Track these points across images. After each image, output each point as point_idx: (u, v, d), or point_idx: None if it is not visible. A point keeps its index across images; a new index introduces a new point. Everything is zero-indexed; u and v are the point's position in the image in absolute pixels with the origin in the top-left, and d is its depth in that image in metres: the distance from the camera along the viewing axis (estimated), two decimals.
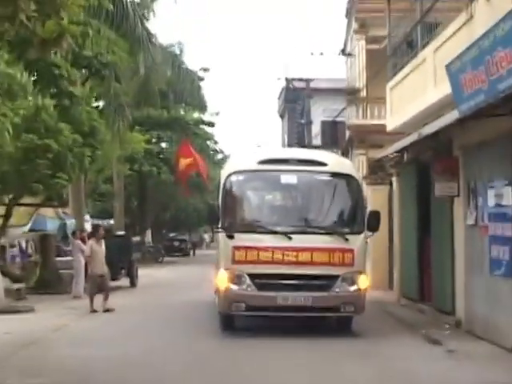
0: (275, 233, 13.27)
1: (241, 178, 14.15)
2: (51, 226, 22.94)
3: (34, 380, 9.51)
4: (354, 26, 26.72)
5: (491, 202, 12.32)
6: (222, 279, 13.40)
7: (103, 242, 19.13)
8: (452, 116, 12.24)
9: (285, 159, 14.09)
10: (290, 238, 13.10)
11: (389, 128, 19.03)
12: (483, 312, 12.84)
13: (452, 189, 14.25)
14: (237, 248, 13.22)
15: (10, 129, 14.58)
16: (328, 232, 13.43)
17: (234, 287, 13.18)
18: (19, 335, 13.36)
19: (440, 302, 15.51)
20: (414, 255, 17.78)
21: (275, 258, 13.07)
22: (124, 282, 25.15)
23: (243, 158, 15.69)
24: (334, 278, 13.17)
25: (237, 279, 13.18)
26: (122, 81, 14.80)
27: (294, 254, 13.07)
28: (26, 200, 21.35)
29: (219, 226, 13.61)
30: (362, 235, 13.67)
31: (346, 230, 13.60)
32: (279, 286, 13.04)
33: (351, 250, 13.30)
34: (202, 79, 40.45)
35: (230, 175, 13.99)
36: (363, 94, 25.35)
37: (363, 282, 13.49)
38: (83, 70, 12.10)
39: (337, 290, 13.17)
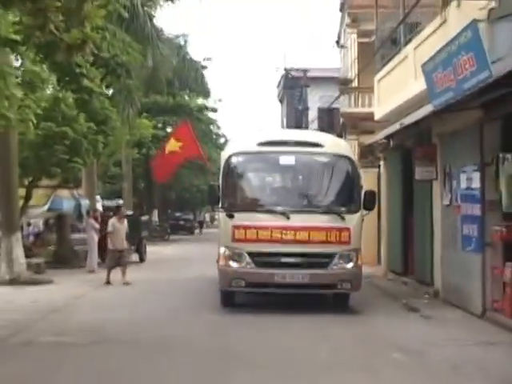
0: (274, 212, 13.22)
1: (240, 159, 14.05)
2: (67, 205, 23.83)
3: (63, 338, 10.70)
4: (347, 20, 27.33)
5: (463, 184, 13.41)
6: (222, 257, 13.42)
7: (125, 220, 19.81)
8: (429, 108, 13.33)
9: (283, 141, 14.01)
10: (287, 218, 13.03)
11: (376, 117, 19.92)
12: (457, 283, 13.92)
13: (431, 173, 15.26)
14: (236, 227, 13.19)
15: (34, 119, 15.67)
16: (325, 211, 13.37)
17: (234, 264, 13.17)
18: (44, 303, 14.48)
19: (421, 275, 16.57)
20: (398, 233, 18.72)
21: (274, 236, 13.02)
22: (134, 257, 25.68)
23: (243, 139, 15.55)
24: (331, 255, 13.10)
25: (237, 257, 13.18)
26: (132, 73, 15.64)
27: (292, 232, 13.01)
28: (44, 182, 22.52)
29: (219, 205, 13.58)
30: (358, 214, 13.55)
31: (343, 209, 13.46)
32: (278, 263, 13.03)
33: (347, 229, 13.19)
34: (205, 68, 41.47)
35: (230, 157, 13.95)
36: (355, 83, 25.92)
37: (359, 259, 13.43)
38: (101, 69, 12.99)
39: (334, 267, 13.10)
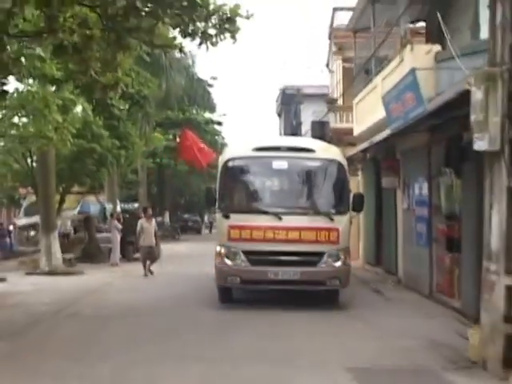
0: (267, 213, 13.22)
1: (236, 163, 14.05)
2: (94, 209, 26.10)
3: (99, 311, 13.22)
4: (333, 48, 29.60)
5: (416, 192, 15.64)
6: (218, 255, 13.45)
7: (153, 220, 21.26)
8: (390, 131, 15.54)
9: (276, 147, 13.98)
10: (280, 218, 13.05)
11: (355, 133, 21.91)
12: (413, 271, 16.13)
13: (394, 182, 17.37)
14: (232, 227, 13.25)
15: (71, 139, 17.96)
16: (315, 212, 13.36)
17: (230, 262, 13.20)
18: (81, 288, 16.82)
19: (388, 266, 18.78)
20: (372, 232, 20.86)
21: (267, 236, 13.05)
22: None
23: (239, 145, 15.63)
24: (321, 254, 13.13)
25: (232, 255, 13.21)
26: (151, 101, 17.82)
27: (284, 232, 13.03)
28: (75, 189, 24.82)
29: (216, 206, 13.69)
30: (347, 215, 13.61)
31: (332, 210, 13.45)
32: (270, 261, 13.01)
33: (336, 229, 13.22)
34: (211, 86, 43.60)
35: (226, 161, 13.97)
36: (340, 103, 27.74)
37: (348, 258, 13.49)
38: (128, 101, 15.08)
39: (323, 265, 13.13)
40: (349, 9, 24.78)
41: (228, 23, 10.17)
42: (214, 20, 10.41)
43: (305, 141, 18.77)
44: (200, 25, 10.57)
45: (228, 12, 10.03)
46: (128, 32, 11.08)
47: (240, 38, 10.85)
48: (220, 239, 13.57)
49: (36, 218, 24.84)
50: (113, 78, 12.35)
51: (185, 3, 9.92)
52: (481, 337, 8.29)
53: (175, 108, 38.56)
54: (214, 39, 10.89)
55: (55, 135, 16.83)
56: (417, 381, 8.03)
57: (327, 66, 34.17)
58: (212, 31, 10.80)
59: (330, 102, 28.27)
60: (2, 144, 20.11)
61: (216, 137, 53.60)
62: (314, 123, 31.24)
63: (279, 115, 53.60)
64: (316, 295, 13.92)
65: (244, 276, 13.08)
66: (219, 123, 50.17)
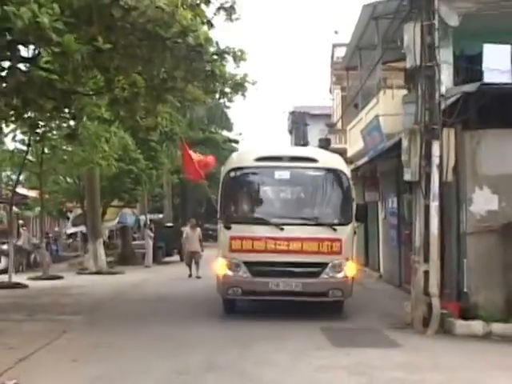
0: (268, 224, 12.80)
1: (238, 173, 13.65)
2: (130, 220, 29.96)
3: (144, 297, 17.06)
4: (333, 78, 33.28)
5: (389, 205, 19.29)
6: (220, 266, 13.08)
7: (197, 229, 23.29)
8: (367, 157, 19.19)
9: (279, 156, 13.48)
10: (281, 229, 12.64)
11: (348, 154, 25.28)
12: (389, 268, 19.76)
13: (375, 196, 21.06)
14: (233, 238, 12.89)
15: (115, 163, 21.79)
16: (318, 223, 12.90)
17: (231, 273, 12.84)
18: (125, 283, 20.67)
19: (373, 264, 22.43)
20: (362, 237, 24.32)
21: (268, 247, 12.65)
22: (175, 258, 31.42)
23: (241, 155, 15.31)
24: (323, 265, 12.70)
25: (233, 266, 12.85)
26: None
27: (286, 243, 12.61)
28: (114, 203, 28.69)
29: (218, 217, 13.48)
30: (350, 226, 13.13)
31: (335, 221, 12.97)
32: (272, 272, 12.64)
33: (339, 240, 12.76)
34: (228, 108, 47.43)
35: (228, 172, 13.58)
36: (338, 126, 31.30)
37: (350, 268, 13.03)
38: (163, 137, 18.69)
39: (325, 276, 12.71)
40: (346, 45, 28.40)
41: (239, 86, 13.85)
42: (229, 84, 14.12)
43: (307, 150, 18.20)
44: (219, 86, 14.28)
45: (239, 79, 13.69)
46: (166, 91, 14.77)
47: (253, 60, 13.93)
48: (221, 250, 13.22)
49: (81, 228, 28.77)
50: (153, 122, 16.11)
51: (208, 73, 13.57)
52: (411, 306, 11.93)
53: (197, 128, 42.27)
54: (229, 95, 14.65)
55: (103, 161, 20.68)
56: (365, 335, 11.60)
57: (330, 91, 37.81)
58: (228, 90, 14.54)
59: (330, 126, 31.84)
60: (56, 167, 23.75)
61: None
62: (321, 140, 34.65)
63: (290, 132, 57.32)
64: (319, 304, 13.52)
65: (245, 287, 12.72)
66: (236, 141, 53.86)
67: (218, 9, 12.02)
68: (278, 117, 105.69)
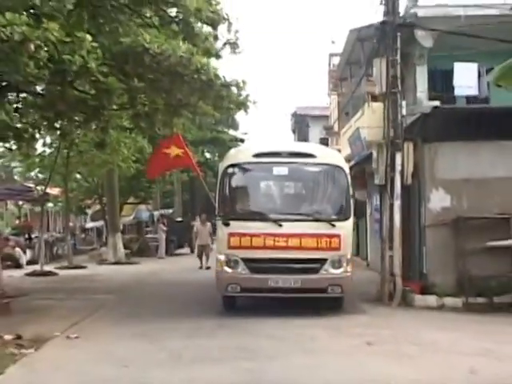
0: (267, 220, 12.78)
1: (236, 170, 13.60)
2: (145, 215, 33.05)
3: (161, 282, 20.14)
4: (330, 85, 36.11)
5: (373, 202, 22.19)
6: (218, 263, 13.06)
7: (208, 224, 24.07)
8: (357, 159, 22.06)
9: (277, 152, 13.37)
10: (280, 225, 12.62)
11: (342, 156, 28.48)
12: (374, 257, 22.61)
13: (364, 195, 23.84)
14: (232, 234, 12.81)
15: (133, 165, 24.77)
16: (316, 219, 12.87)
17: (230, 270, 12.79)
18: (143, 271, 23.70)
19: (362, 254, 25.36)
20: (353, 230, 27.32)
21: (267, 243, 12.59)
22: (186, 250, 34.30)
23: (239, 151, 15.34)
24: (322, 261, 12.68)
25: (232, 263, 12.79)
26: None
27: (284, 239, 12.57)
28: (130, 200, 31.72)
29: (216, 214, 13.33)
30: (349, 221, 13.20)
31: (334, 216, 12.98)
32: (271, 269, 12.59)
33: (338, 236, 12.75)
34: None
35: (226, 168, 13.48)
36: (335, 129, 34.21)
37: (350, 264, 13.02)
38: None
39: (324, 272, 12.70)
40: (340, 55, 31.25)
41: (242, 105, 16.76)
42: (234, 102, 17.03)
43: (306, 146, 18.22)
44: (225, 104, 17.20)
45: (242, 99, 16.60)
46: (181, 107, 17.69)
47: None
48: (220, 247, 13.25)
49: (99, 223, 31.80)
50: (169, 132, 19.06)
51: (222, 93, 16.33)
52: (380, 284, 14.89)
53: (204, 128, 45.19)
54: (233, 111, 17.60)
55: (123, 163, 23.69)
56: (343, 307, 14.32)
57: (328, 95, 40.67)
58: (233, 106, 17.46)
59: (327, 129, 34.72)
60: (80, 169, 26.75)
61: None
62: (321, 139, 37.44)
63: (293, 131, 60.31)
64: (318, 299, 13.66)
65: (244, 284, 12.70)
66: (242, 140, 56.74)
67: (224, 44, 14.98)
68: (282, 117, 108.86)
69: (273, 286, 12.61)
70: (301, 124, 50.96)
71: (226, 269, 12.88)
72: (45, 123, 17.62)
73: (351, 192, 13.44)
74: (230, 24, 14.27)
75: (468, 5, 19.01)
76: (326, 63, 37.28)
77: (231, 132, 55.69)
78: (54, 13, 10.69)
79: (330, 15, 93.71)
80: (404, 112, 14.54)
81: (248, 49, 51.67)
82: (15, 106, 15.74)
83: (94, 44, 11.04)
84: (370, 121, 19.35)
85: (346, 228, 13.08)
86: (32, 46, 10.04)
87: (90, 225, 35.52)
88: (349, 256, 13.11)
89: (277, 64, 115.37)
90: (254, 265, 12.72)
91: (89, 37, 10.75)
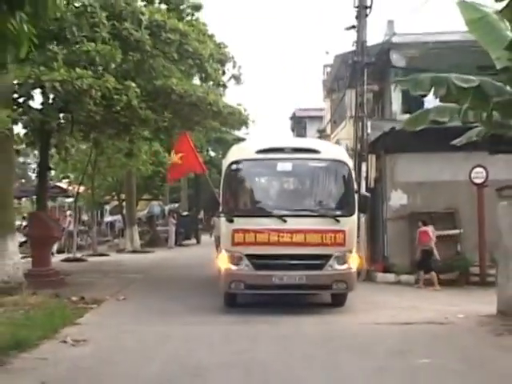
0: (271, 216, 12.73)
1: (240, 166, 13.50)
2: (157, 210, 37.63)
3: (175, 265, 24.49)
4: (324, 92, 40.31)
5: None
6: (222, 260, 13.01)
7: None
8: None
9: (281, 148, 13.30)
10: (284, 221, 12.55)
11: None
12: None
13: None
14: (236, 231, 12.74)
15: (150, 167, 29.24)
16: (321, 214, 12.82)
17: (234, 267, 12.75)
18: (158, 258, 28.21)
19: None
20: None
21: (271, 239, 12.51)
22: (193, 241, 39.33)
23: (242, 148, 15.05)
24: (327, 257, 12.63)
25: (236, 260, 12.75)
26: None
27: (289, 235, 12.50)
28: (145, 197, 36.20)
29: (220, 210, 13.29)
30: (353, 217, 13.08)
31: (338, 212, 12.87)
32: (275, 265, 12.61)
33: (342, 231, 12.67)
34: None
35: (230, 164, 13.42)
36: (328, 131, 38.09)
37: (354, 260, 13.02)
38: None
39: (329, 268, 12.66)
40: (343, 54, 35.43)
41: (243, 123, 21.19)
42: (237, 122, 21.42)
43: (309, 141, 18.87)
44: (230, 122, 21.63)
45: (244, 119, 20.99)
46: (195, 123, 22.02)
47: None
48: (224, 244, 13.18)
49: (117, 217, 36.28)
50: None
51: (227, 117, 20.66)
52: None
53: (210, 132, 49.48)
54: (236, 127, 22.04)
55: (142, 166, 28.17)
56: None
57: (323, 100, 44.89)
58: (236, 124, 21.88)
59: (320, 131, 38.93)
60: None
61: None
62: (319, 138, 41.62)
63: (293, 130, 64.57)
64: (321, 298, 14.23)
65: (248, 281, 12.70)
66: (244, 140, 60.84)
67: (230, 78, 19.43)
68: (281, 119, 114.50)
69: (277, 282, 12.61)
70: (299, 125, 55.33)
71: (230, 266, 12.84)
72: (81, 134, 22.08)
73: (355, 187, 13.52)
74: (234, 62, 18.78)
75: (435, 32, 23.73)
76: (321, 72, 41.36)
77: (234, 132, 59.74)
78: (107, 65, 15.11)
79: (326, 25, 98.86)
80: (369, 130, 18.85)
81: (253, 59, 55.72)
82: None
83: (135, 87, 15.49)
84: (348, 134, 23.71)
85: (350, 224, 12.99)
86: (93, 91, 14.49)
87: (108, 219, 39.84)
88: (354, 252, 13.06)
89: (280, 71, 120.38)
90: (258, 261, 12.69)
91: (133, 84, 15.17)
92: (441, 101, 11.60)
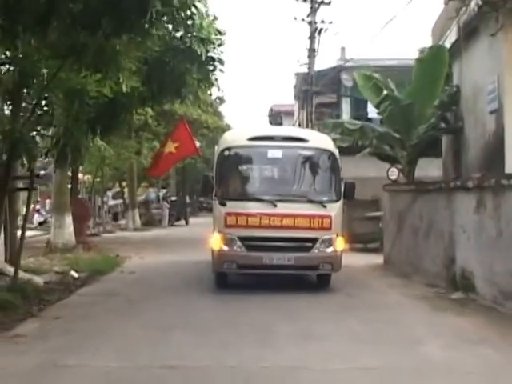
0: (262, 201, 13.36)
1: (232, 152, 14.06)
2: (152, 195, 45.40)
3: (172, 239, 32.02)
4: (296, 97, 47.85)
5: None
6: (215, 241, 13.57)
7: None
8: None
9: (271, 136, 14.03)
10: (275, 206, 13.18)
11: None
12: None
13: None
14: (228, 214, 13.34)
15: (149, 161, 36.89)
16: (309, 200, 13.45)
17: (226, 248, 13.36)
18: (156, 234, 35.68)
19: None
20: None
21: (262, 222, 13.16)
22: (182, 222, 45.68)
23: (234, 134, 15.92)
24: (314, 240, 13.28)
25: (229, 241, 13.35)
26: None
27: (279, 219, 13.14)
28: (143, 184, 43.84)
29: (213, 194, 13.78)
30: (339, 203, 13.70)
31: (325, 198, 13.56)
32: (266, 247, 13.22)
33: (329, 216, 13.35)
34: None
35: (223, 150, 14.02)
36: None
37: (339, 243, 13.59)
38: None
39: (316, 250, 13.30)
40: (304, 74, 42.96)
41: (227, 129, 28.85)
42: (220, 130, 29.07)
43: (298, 130, 20.06)
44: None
45: (227, 129, 28.63)
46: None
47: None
48: (217, 226, 13.77)
49: (119, 201, 44.11)
50: None
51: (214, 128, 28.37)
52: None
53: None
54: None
55: (145, 160, 35.90)
56: None
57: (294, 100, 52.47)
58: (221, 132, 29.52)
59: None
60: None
61: None
62: None
63: (270, 123, 71.52)
64: (307, 278, 14.95)
65: (240, 261, 13.30)
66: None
67: (215, 98, 27.11)
68: (259, 113, 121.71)
69: (267, 263, 13.27)
70: (276, 118, 62.77)
71: (223, 247, 13.46)
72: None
73: (341, 175, 14.14)
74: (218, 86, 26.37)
75: (377, 59, 31.59)
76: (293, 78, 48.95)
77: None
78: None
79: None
80: None
81: (236, 58, 63.40)
82: None
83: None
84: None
85: (336, 209, 13.69)
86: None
87: (111, 202, 47.19)
88: (339, 236, 13.68)
89: (258, 72, 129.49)
90: (249, 243, 13.35)
91: (150, 110, 22.72)
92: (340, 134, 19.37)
